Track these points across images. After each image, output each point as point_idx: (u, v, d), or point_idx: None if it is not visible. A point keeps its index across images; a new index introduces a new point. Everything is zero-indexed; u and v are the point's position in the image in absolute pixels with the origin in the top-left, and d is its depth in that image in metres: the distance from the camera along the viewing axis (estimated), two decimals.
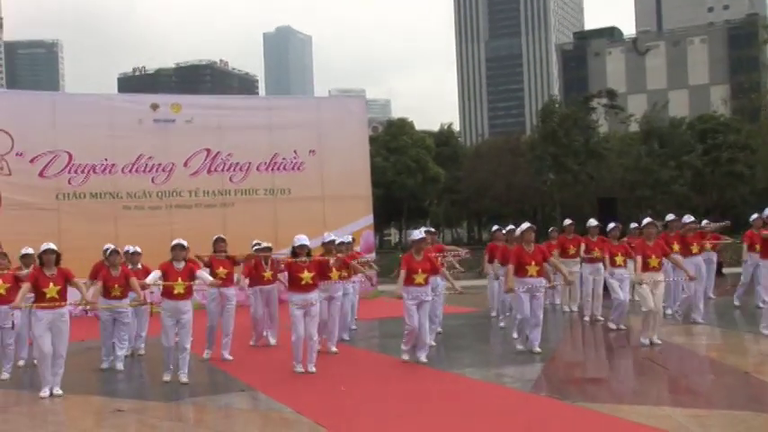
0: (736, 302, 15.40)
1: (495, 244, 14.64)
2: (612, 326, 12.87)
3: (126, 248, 11.79)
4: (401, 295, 10.55)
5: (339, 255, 11.45)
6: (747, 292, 15.35)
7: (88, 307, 10.17)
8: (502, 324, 13.77)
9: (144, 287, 10.37)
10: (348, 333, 13.00)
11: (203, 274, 10.13)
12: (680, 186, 52.69)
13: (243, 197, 19.90)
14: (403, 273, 10.50)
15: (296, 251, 10.12)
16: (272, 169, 20.28)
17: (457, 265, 13.62)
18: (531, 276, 10.89)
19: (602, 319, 13.82)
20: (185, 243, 10.06)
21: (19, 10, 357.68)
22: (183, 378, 9.64)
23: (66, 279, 9.30)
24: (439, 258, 11.89)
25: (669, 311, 14.08)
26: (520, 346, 11.15)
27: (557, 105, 61.53)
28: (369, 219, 21.22)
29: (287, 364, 10.20)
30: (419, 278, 10.49)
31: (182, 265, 9.91)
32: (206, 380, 10.32)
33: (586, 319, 14.02)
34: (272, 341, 12.57)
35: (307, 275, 10.06)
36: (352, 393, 8.90)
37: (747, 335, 12.30)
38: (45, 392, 9.11)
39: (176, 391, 9.30)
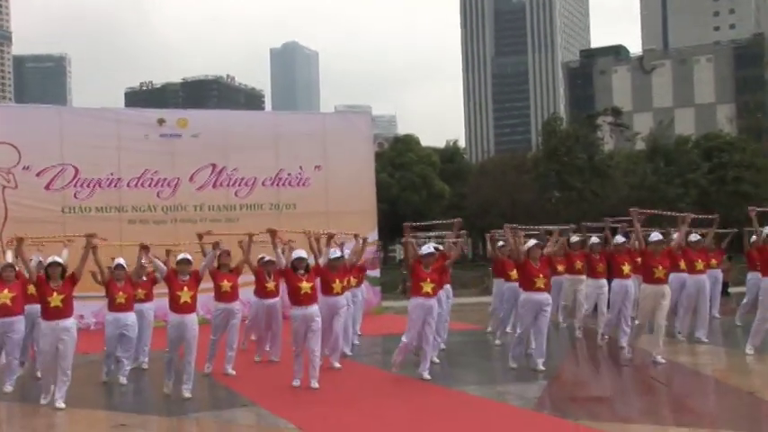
0: (738, 322, 15.31)
1: (500, 258, 14.58)
2: (624, 344, 12.77)
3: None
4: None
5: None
6: (751, 312, 15.22)
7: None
8: (498, 342, 13.75)
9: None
10: (350, 348, 12.97)
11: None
12: (686, 205, 52.60)
13: (248, 212, 19.91)
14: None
15: (294, 265, 10.20)
16: (278, 184, 20.34)
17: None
18: (538, 289, 10.87)
19: (606, 337, 13.76)
20: (191, 257, 10.12)
21: (28, 24, 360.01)
22: (187, 393, 9.63)
23: (72, 286, 9.36)
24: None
25: (680, 331, 13.99)
26: (513, 364, 11.02)
27: (557, 123, 61.52)
28: (373, 235, 21.21)
29: (290, 379, 10.19)
30: (427, 287, 10.51)
31: (186, 277, 9.96)
32: (208, 395, 10.31)
33: (605, 337, 13.85)
34: (275, 358, 12.52)
35: (305, 285, 10.08)
36: (354, 409, 8.88)
37: (752, 355, 12.20)
38: (45, 399, 9.15)
39: (179, 406, 9.29)
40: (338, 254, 11.40)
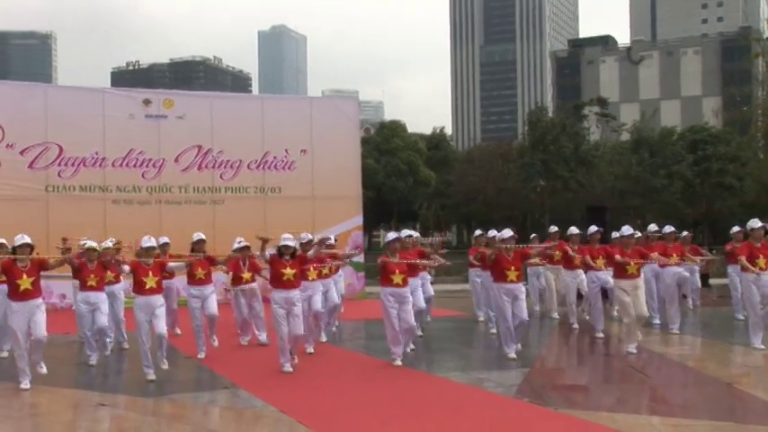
0: (740, 317, 14.44)
1: (476, 248, 14.61)
2: (600, 335, 12.83)
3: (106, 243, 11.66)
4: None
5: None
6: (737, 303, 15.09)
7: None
8: (493, 330, 13.29)
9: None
10: (327, 334, 12.82)
11: (172, 265, 10.59)
12: (670, 195, 52.84)
13: (233, 195, 19.89)
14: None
15: (281, 251, 10.19)
16: (263, 168, 20.28)
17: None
18: (511, 282, 10.86)
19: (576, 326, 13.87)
20: (155, 244, 10.27)
21: (14, 1, 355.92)
22: (164, 366, 9.81)
23: (39, 269, 9.35)
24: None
25: (657, 321, 14.06)
26: (512, 355, 10.78)
27: (543, 113, 61.61)
28: (358, 220, 21.23)
29: (273, 362, 10.19)
30: (397, 279, 10.52)
31: (150, 261, 10.01)
32: (191, 377, 10.32)
33: (575, 327, 13.93)
34: (264, 339, 12.36)
35: (289, 272, 10.10)
36: (335, 393, 8.91)
37: (731, 346, 12.30)
38: (26, 384, 9.10)
39: (159, 386, 9.30)
40: (309, 236, 11.50)
